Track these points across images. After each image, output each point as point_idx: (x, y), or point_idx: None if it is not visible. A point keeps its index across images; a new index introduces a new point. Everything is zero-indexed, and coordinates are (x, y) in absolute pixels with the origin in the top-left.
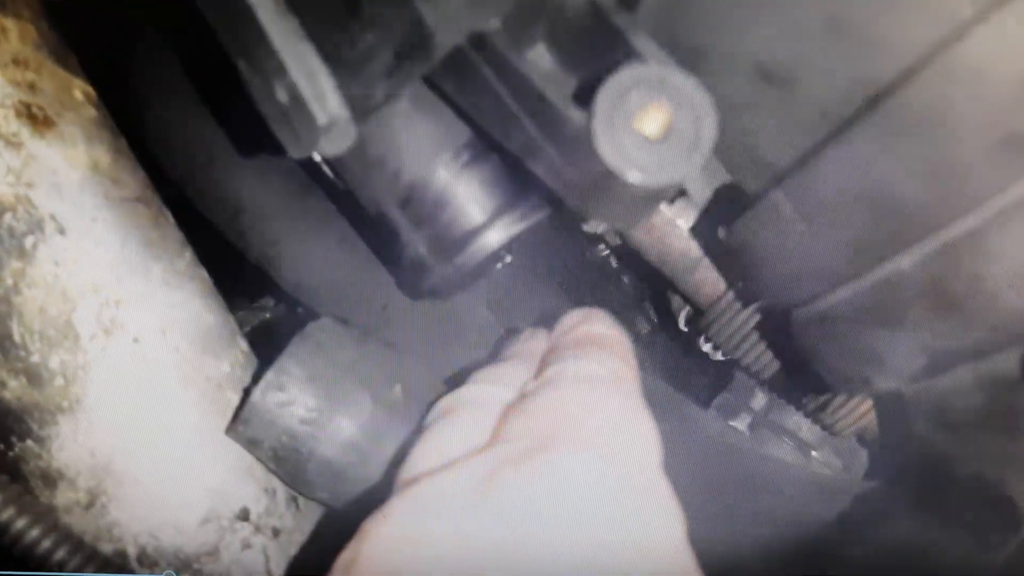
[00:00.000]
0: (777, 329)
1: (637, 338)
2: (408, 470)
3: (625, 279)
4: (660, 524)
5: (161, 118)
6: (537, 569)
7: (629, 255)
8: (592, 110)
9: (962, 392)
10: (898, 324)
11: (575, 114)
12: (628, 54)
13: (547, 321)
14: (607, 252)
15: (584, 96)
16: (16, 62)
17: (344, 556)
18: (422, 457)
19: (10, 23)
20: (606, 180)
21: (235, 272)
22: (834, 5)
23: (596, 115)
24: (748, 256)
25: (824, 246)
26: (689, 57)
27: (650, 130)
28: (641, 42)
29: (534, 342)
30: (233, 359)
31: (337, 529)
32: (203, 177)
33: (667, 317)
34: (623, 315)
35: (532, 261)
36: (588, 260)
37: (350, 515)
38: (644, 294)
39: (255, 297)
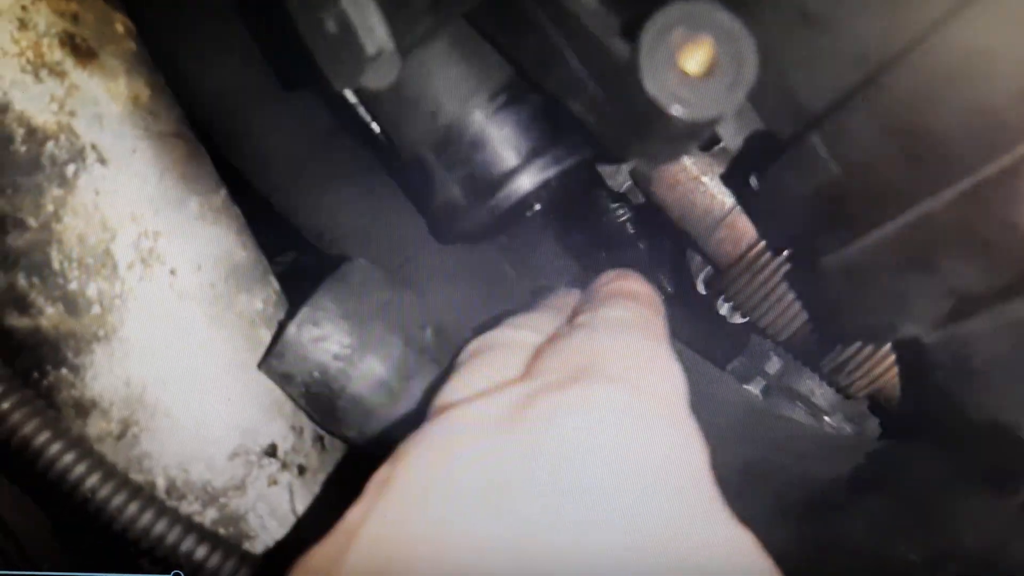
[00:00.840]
0: (802, 281)
1: None
2: (441, 400)
3: (641, 245)
4: (686, 453)
5: (193, 62)
6: (566, 491)
7: (650, 216)
8: (638, 45)
9: (982, 338)
10: (927, 268)
11: (620, 49)
12: None
13: (580, 283)
14: (625, 217)
15: (630, 32)
16: None
17: (379, 474)
18: (455, 390)
19: None
20: (649, 115)
21: (261, 221)
22: None
23: (641, 50)
24: (780, 202)
25: (858, 189)
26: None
27: (693, 66)
28: None
29: (567, 297)
30: (265, 297)
31: (363, 468)
32: (231, 123)
33: (684, 282)
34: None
35: (550, 225)
36: (606, 224)
37: (378, 453)
38: (662, 259)
39: (281, 249)
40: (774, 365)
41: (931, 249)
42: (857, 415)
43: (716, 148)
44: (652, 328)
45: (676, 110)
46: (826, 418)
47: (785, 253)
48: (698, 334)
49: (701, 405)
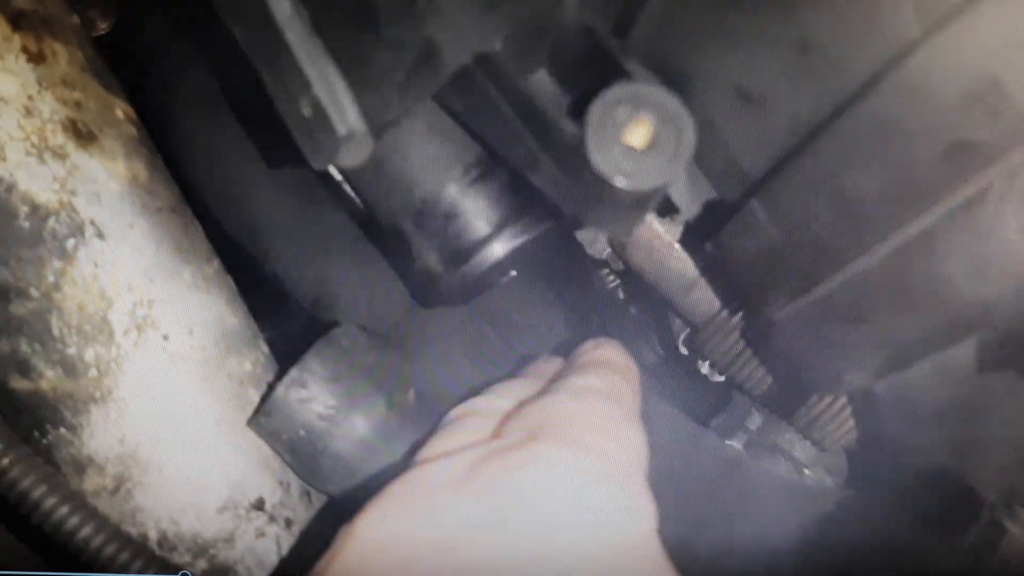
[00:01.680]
0: (762, 338)
1: (644, 367)
2: (413, 463)
3: (632, 310)
4: (630, 516)
5: (190, 139)
6: (510, 550)
7: (632, 280)
8: (585, 123)
9: (925, 386)
10: (863, 320)
11: (570, 128)
12: (618, 74)
13: (564, 351)
14: (615, 283)
15: (578, 111)
16: (64, 82)
17: (345, 526)
18: (427, 451)
19: (60, 48)
20: (597, 186)
21: (255, 286)
22: (802, 30)
23: (588, 128)
24: (731, 265)
25: (795, 250)
26: (675, 79)
27: (636, 141)
28: (630, 65)
29: (547, 365)
30: (255, 359)
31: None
32: (227, 195)
33: (670, 343)
34: (630, 345)
35: (543, 290)
36: (596, 291)
37: (358, 508)
38: (650, 324)
39: (273, 311)
40: (755, 421)
41: (866, 303)
42: (835, 467)
43: (679, 217)
44: (617, 396)
45: (620, 181)
46: (806, 471)
47: (749, 311)
48: (684, 393)
49: (682, 460)
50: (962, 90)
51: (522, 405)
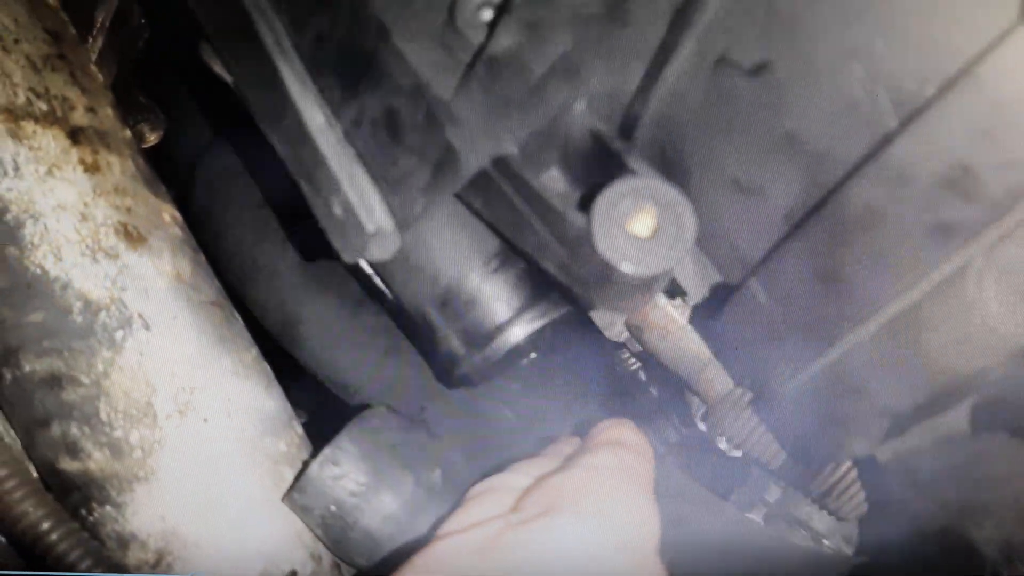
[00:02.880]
0: (771, 412)
1: (667, 445)
2: (437, 536)
3: (653, 390)
4: None
5: (231, 238)
6: None
7: (649, 361)
8: (592, 215)
9: (924, 451)
10: (859, 391)
11: (579, 219)
12: (623, 170)
13: (582, 431)
14: (636, 367)
15: (586, 204)
16: (117, 190)
17: None
18: (451, 524)
19: (113, 159)
20: (604, 271)
21: (290, 375)
22: (788, 126)
23: (595, 218)
24: (736, 343)
25: (793, 326)
26: (676, 172)
27: (640, 230)
28: (635, 162)
29: (566, 445)
30: (289, 440)
31: None
32: (264, 292)
33: (689, 421)
34: (652, 424)
35: (566, 376)
36: (619, 374)
37: None
38: (670, 403)
39: (308, 397)
40: (774, 494)
41: (861, 375)
42: (854, 537)
43: (688, 299)
44: (631, 473)
45: (626, 267)
46: (825, 541)
47: (757, 387)
48: (705, 468)
49: (701, 530)
50: (938, 176)
51: (538, 481)
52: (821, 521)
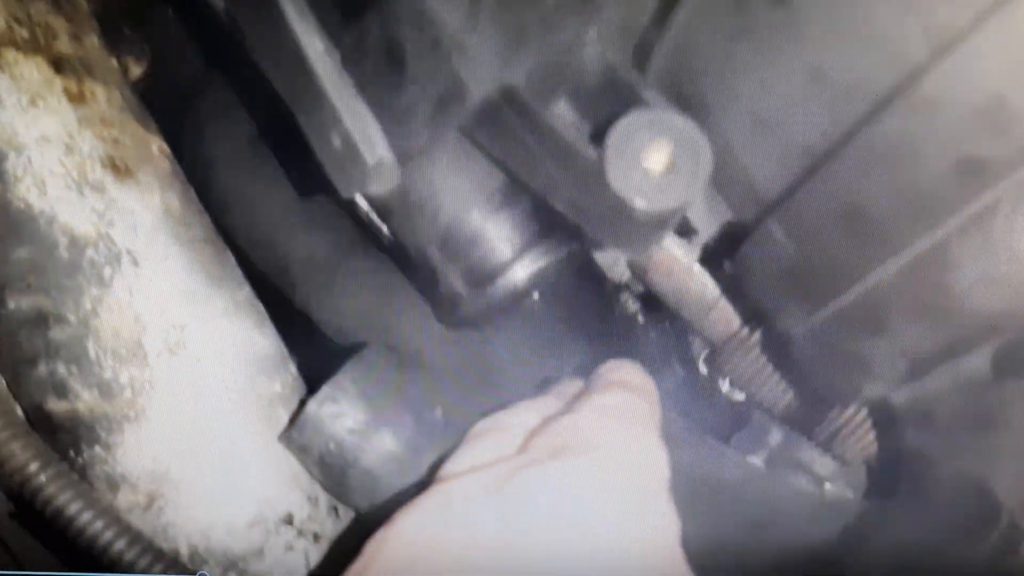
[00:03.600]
0: (782, 354)
1: (665, 388)
2: (442, 474)
3: (652, 333)
4: (652, 528)
5: (222, 175)
6: (536, 561)
7: (651, 303)
8: (605, 149)
9: (942, 394)
10: (880, 332)
11: (591, 153)
12: (637, 102)
13: (584, 372)
14: (635, 309)
15: (598, 138)
16: (103, 121)
17: (377, 535)
18: (455, 464)
19: (99, 89)
20: (617, 208)
21: (283, 317)
22: (812, 56)
23: (608, 152)
24: (750, 283)
25: (812, 266)
26: (691, 106)
27: (654, 165)
28: (649, 94)
29: (569, 386)
30: (283, 381)
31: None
32: (257, 230)
33: (691, 363)
34: (651, 367)
35: (565, 317)
36: (617, 316)
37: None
38: (670, 346)
39: (302, 340)
40: (775, 437)
41: (882, 315)
42: (858, 481)
43: (696, 238)
44: (638, 414)
45: (639, 203)
46: (827, 485)
47: (768, 329)
48: (705, 412)
49: (705, 477)
50: (970, 109)
51: (546, 422)
52: (824, 465)
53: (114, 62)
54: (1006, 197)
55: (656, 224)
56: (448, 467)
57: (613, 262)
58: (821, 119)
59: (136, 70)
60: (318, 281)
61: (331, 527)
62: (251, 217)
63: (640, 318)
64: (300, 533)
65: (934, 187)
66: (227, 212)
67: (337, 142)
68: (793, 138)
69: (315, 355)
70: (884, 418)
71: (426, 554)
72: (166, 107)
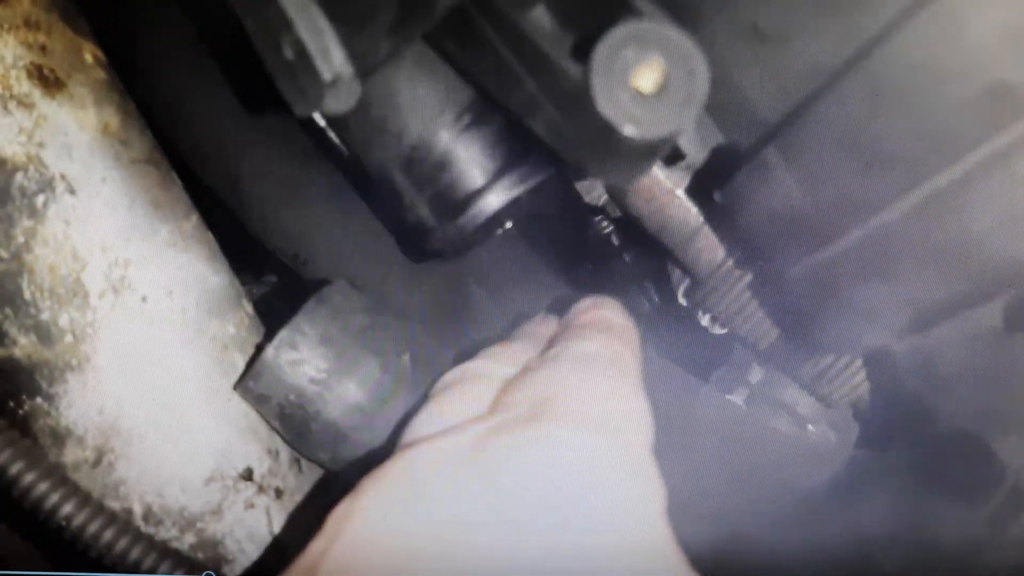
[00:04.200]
0: (772, 292)
1: (639, 316)
2: (408, 435)
3: (627, 257)
4: (640, 498)
5: (165, 84)
6: (517, 534)
7: (630, 228)
8: (590, 66)
9: (948, 347)
10: (886, 278)
11: (574, 70)
12: (626, 12)
13: (558, 309)
14: (609, 230)
15: (583, 52)
16: (28, 24)
17: (339, 509)
18: (423, 424)
19: None
20: (603, 134)
21: (238, 244)
22: None
23: (594, 70)
24: (742, 216)
25: (814, 201)
26: (687, 17)
27: (645, 85)
28: (640, 2)
29: (543, 326)
30: (238, 321)
31: (338, 491)
32: (205, 143)
33: (668, 293)
34: (625, 292)
35: (534, 238)
36: (590, 237)
37: (350, 478)
38: (646, 271)
39: (258, 273)
40: (757, 375)
41: (890, 259)
42: (841, 422)
43: (682, 163)
44: (620, 363)
45: (629, 130)
46: (810, 426)
47: (758, 264)
48: (681, 345)
49: (682, 417)
50: (1002, 27)
51: (522, 374)
52: (807, 406)
53: None
54: None
55: (645, 152)
56: (415, 427)
57: (590, 185)
58: (830, 33)
59: None
60: (270, 199)
61: (294, 481)
62: (196, 127)
63: (614, 239)
64: (261, 489)
65: (955, 116)
66: (170, 123)
67: (289, 53)
68: (799, 55)
69: (270, 286)
70: (881, 367)
71: (391, 535)
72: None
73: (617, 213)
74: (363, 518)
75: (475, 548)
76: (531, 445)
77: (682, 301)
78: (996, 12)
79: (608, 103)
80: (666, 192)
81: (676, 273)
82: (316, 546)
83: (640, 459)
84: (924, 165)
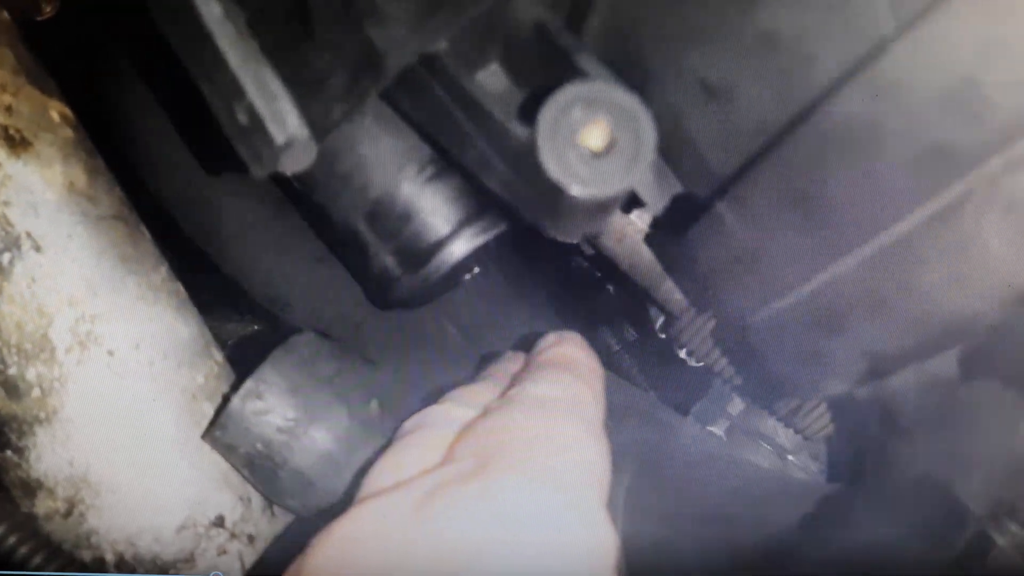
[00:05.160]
0: (735, 337)
1: (623, 346)
2: (364, 489)
3: (609, 288)
4: (587, 551)
5: (141, 135)
6: None
7: (605, 267)
8: (536, 126)
9: (908, 394)
10: (839, 329)
11: (521, 131)
12: (572, 72)
13: (527, 345)
14: (588, 268)
15: (530, 113)
16: None
17: (291, 568)
18: (377, 476)
19: None
20: (552, 194)
21: (213, 288)
22: (766, 23)
23: (540, 131)
24: (699, 266)
25: (765, 255)
26: (636, 75)
27: (592, 144)
28: (586, 61)
29: (510, 364)
30: (208, 371)
31: (308, 536)
32: (183, 193)
33: (647, 326)
34: (609, 321)
35: (508, 281)
36: (572, 270)
37: (320, 523)
38: (628, 304)
39: (234, 314)
40: (737, 406)
41: (841, 312)
42: (822, 453)
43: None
44: (577, 407)
45: (576, 189)
46: (790, 457)
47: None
48: (661, 377)
49: (660, 454)
50: (938, 91)
51: (476, 420)
52: (786, 436)
53: (6, 15)
54: (977, 190)
55: (595, 210)
56: (370, 479)
57: None
58: (774, 93)
59: (47, 8)
60: (247, 245)
61: (267, 527)
62: (174, 175)
63: (596, 273)
64: (233, 536)
65: (897, 176)
66: (146, 172)
67: (243, 118)
68: (744, 112)
69: (242, 333)
70: (846, 411)
71: None
72: (69, 60)
73: (591, 251)
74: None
75: None
76: (476, 499)
77: (660, 335)
78: (932, 76)
79: (555, 163)
80: (637, 232)
81: (653, 308)
82: None
83: (590, 509)
84: (870, 222)
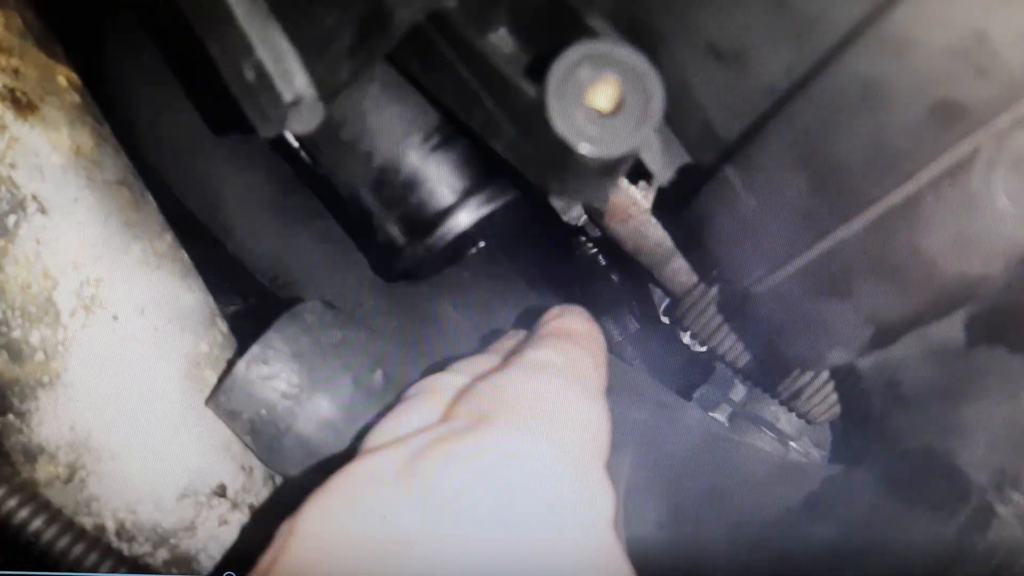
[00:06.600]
0: (738, 311)
1: (626, 334)
2: (364, 446)
3: (614, 276)
4: (582, 504)
5: (145, 107)
6: (453, 545)
7: (610, 247)
8: (545, 85)
9: (911, 364)
10: (844, 295)
11: (530, 89)
12: (581, 32)
13: (531, 319)
14: (595, 250)
15: (538, 72)
16: (1, 49)
17: (286, 524)
18: (375, 436)
19: None
20: (560, 153)
21: (217, 266)
22: None
23: (548, 90)
24: (705, 235)
25: (772, 220)
26: (642, 36)
27: (600, 104)
28: (595, 21)
29: (512, 340)
30: (211, 339)
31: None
32: (185, 167)
33: (651, 311)
34: (612, 312)
35: (520, 262)
36: (577, 257)
37: (317, 482)
38: (632, 290)
39: (237, 294)
40: (739, 392)
41: (846, 277)
42: (824, 439)
43: (655, 183)
44: (577, 371)
45: (584, 148)
46: (792, 443)
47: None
48: (665, 363)
49: (662, 435)
50: (947, 46)
51: (473, 383)
52: (788, 423)
53: None
54: (985, 147)
55: (604, 171)
56: (371, 438)
57: (568, 205)
58: (783, 54)
59: None
60: (250, 224)
61: (268, 498)
62: (177, 149)
63: (602, 260)
64: (234, 505)
65: (905, 135)
66: (149, 150)
67: (251, 76)
68: (753, 75)
69: (245, 306)
70: (849, 384)
71: (337, 547)
72: (77, 27)
73: (597, 233)
74: (303, 535)
75: (410, 562)
76: (468, 454)
77: (664, 319)
78: (940, 31)
79: (563, 122)
80: (642, 213)
81: (657, 292)
82: (264, 560)
83: (586, 465)
84: (877, 183)
